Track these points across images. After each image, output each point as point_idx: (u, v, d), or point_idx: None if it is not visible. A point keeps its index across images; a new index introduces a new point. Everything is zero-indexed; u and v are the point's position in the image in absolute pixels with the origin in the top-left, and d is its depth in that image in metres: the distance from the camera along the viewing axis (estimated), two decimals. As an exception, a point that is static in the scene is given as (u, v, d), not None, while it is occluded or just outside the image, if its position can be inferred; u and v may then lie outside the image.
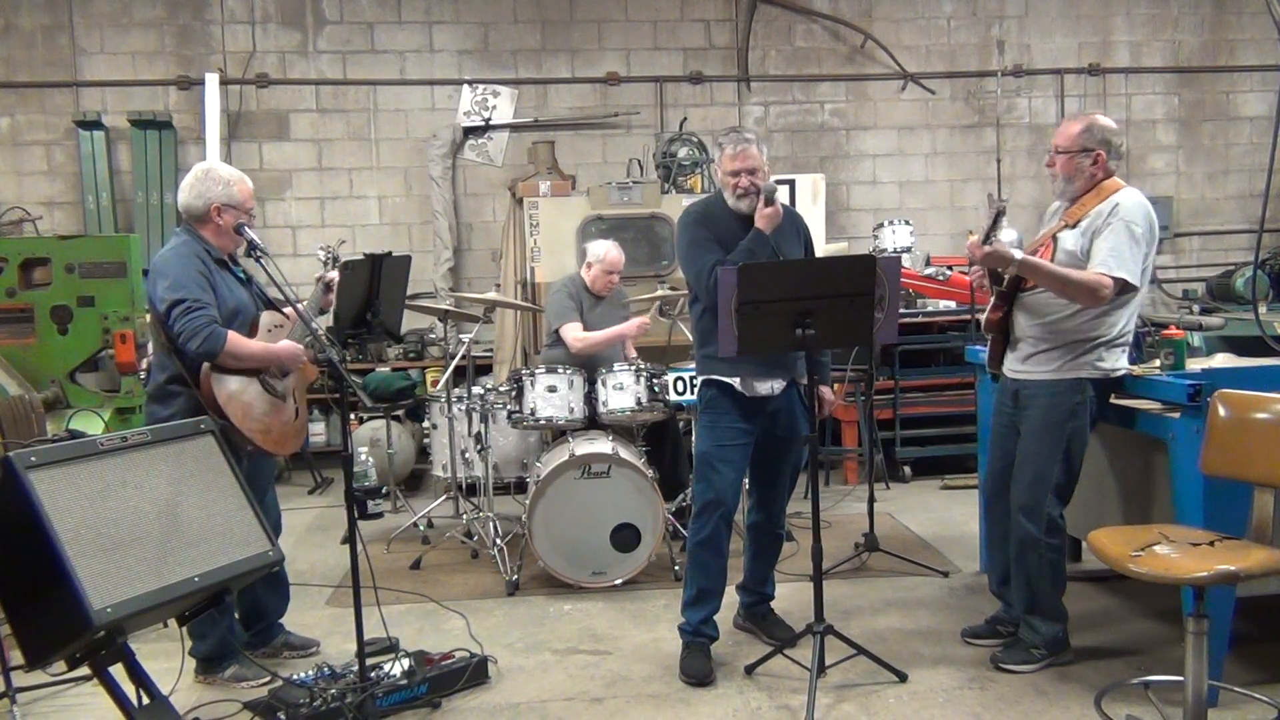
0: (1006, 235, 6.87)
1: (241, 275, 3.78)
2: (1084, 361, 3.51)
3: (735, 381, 3.70)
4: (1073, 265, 3.44)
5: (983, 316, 3.79)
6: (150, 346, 4.23)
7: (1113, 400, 3.71)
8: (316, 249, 3.89)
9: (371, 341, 6.91)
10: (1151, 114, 8.59)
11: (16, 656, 2.90)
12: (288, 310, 3.84)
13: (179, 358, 3.52)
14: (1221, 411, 3.05)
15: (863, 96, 8.35)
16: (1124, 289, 3.39)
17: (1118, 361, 3.55)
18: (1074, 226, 3.49)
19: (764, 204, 3.59)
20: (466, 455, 5.58)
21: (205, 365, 3.49)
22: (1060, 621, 3.68)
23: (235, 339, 3.51)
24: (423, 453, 7.05)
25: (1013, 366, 3.68)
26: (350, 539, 3.30)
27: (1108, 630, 3.97)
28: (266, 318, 3.74)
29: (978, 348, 4.34)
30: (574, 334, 5.25)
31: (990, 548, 3.99)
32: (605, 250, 5.40)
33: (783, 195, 6.71)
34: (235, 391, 3.55)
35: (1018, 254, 3.42)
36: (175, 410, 3.54)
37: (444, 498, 5.96)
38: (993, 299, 3.67)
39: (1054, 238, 3.53)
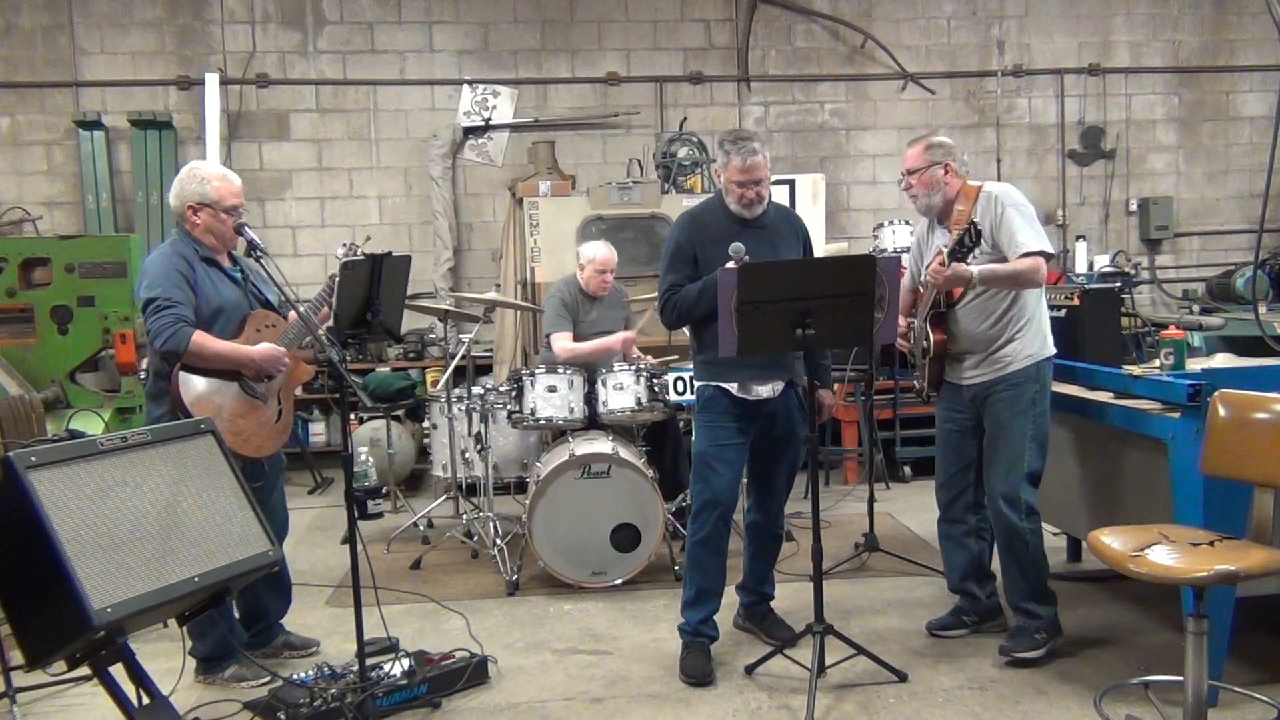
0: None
1: (236, 274, 3.76)
2: (1032, 349, 3.68)
3: (733, 387, 3.71)
4: (983, 263, 3.64)
5: (919, 382, 3.97)
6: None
7: (1113, 400, 3.73)
8: (339, 246, 3.89)
9: (371, 341, 6.90)
10: (1151, 114, 8.59)
11: (16, 656, 2.90)
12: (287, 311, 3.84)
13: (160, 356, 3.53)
14: (1221, 411, 3.05)
15: (863, 96, 8.35)
16: (1048, 257, 3.61)
17: (1050, 341, 3.76)
18: None
19: (734, 263, 3.52)
20: (466, 455, 5.57)
21: (176, 368, 3.49)
22: (1053, 604, 3.78)
23: (201, 339, 3.49)
24: (423, 453, 7.05)
25: (965, 375, 3.79)
26: (350, 539, 3.30)
27: (1108, 630, 3.97)
28: (258, 316, 3.73)
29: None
30: (562, 344, 5.30)
31: (949, 545, 4.04)
32: (595, 250, 5.40)
33: (783, 195, 6.75)
34: (203, 393, 3.54)
35: (975, 269, 3.55)
36: (167, 410, 3.55)
37: (444, 498, 5.96)
38: (927, 328, 3.82)
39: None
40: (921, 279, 3.86)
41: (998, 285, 3.64)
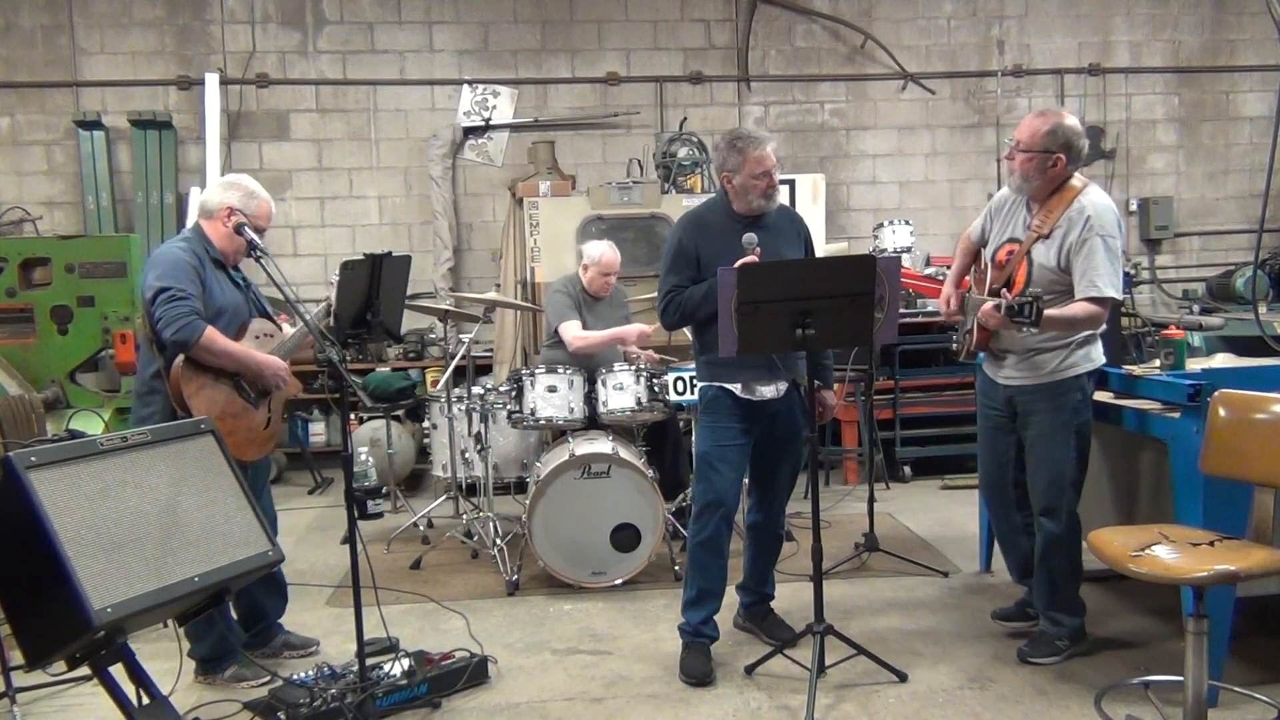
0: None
1: (240, 280, 3.80)
2: (1076, 359, 3.56)
3: (736, 387, 3.70)
4: (1051, 279, 3.49)
5: (959, 345, 3.85)
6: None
7: (1113, 400, 3.73)
8: (331, 277, 3.89)
9: (371, 341, 6.90)
10: (1151, 114, 8.59)
11: (16, 656, 2.90)
12: (281, 319, 3.86)
13: (159, 349, 3.53)
14: (1221, 411, 3.05)
15: (863, 96, 8.34)
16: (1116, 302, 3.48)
17: (1100, 349, 3.62)
18: (1046, 237, 3.52)
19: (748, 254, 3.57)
20: (466, 455, 5.57)
21: (179, 358, 3.50)
22: (1081, 614, 3.75)
23: (213, 334, 3.51)
24: (423, 453, 7.06)
25: (1006, 375, 3.70)
26: (350, 539, 3.30)
27: (1108, 630, 3.97)
28: (256, 324, 3.75)
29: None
30: (573, 333, 5.23)
31: (1003, 543, 4.02)
32: (600, 252, 5.39)
33: (783, 195, 6.74)
34: (201, 387, 3.54)
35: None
36: (155, 409, 3.55)
37: (444, 498, 5.96)
38: (973, 321, 3.69)
39: (1027, 253, 3.55)
40: (987, 240, 3.74)
41: (1056, 329, 3.46)
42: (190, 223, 3.85)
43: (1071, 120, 3.52)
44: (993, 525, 4.01)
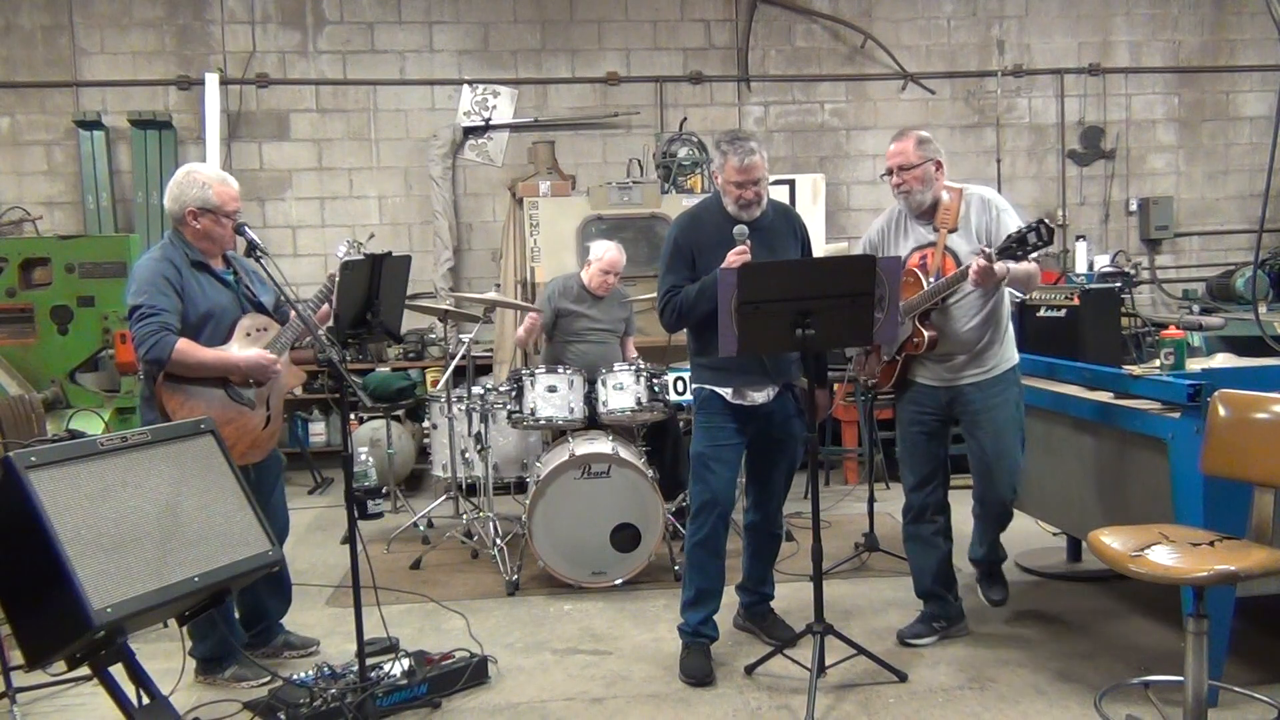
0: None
1: (228, 277, 3.72)
2: (1011, 351, 3.80)
3: (727, 393, 3.70)
4: None
5: (868, 374, 4.00)
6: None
7: (1113, 400, 3.74)
8: (340, 245, 3.83)
9: (371, 341, 6.89)
10: (1151, 114, 8.59)
11: (16, 656, 2.90)
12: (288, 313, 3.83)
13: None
14: (1221, 411, 3.05)
15: (863, 96, 8.34)
16: None
17: None
18: (954, 231, 3.70)
19: (738, 245, 3.57)
20: (466, 455, 5.58)
21: (160, 374, 3.46)
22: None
23: (186, 347, 3.44)
24: (423, 453, 7.05)
25: (949, 376, 3.77)
26: (350, 539, 3.31)
27: (1108, 630, 3.97)
28: (247, 321, 3.68)
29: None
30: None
31: (917, 551, 3.97)
32: (605, 250, 5.42)
33: (783, 195, 6.75)
34: (186, 400, 3.49)
35: (1002, 267, 3.47)
36: (159, 415, 3.52)
37: (444, 498, 5.96)
38: (916, 324, 3.72)
39: (946, 247, 3.70)
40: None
41: (1019, 287, 3.73)
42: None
43: (924, 132, 3.78)
44: (912, 529, 3.96)
